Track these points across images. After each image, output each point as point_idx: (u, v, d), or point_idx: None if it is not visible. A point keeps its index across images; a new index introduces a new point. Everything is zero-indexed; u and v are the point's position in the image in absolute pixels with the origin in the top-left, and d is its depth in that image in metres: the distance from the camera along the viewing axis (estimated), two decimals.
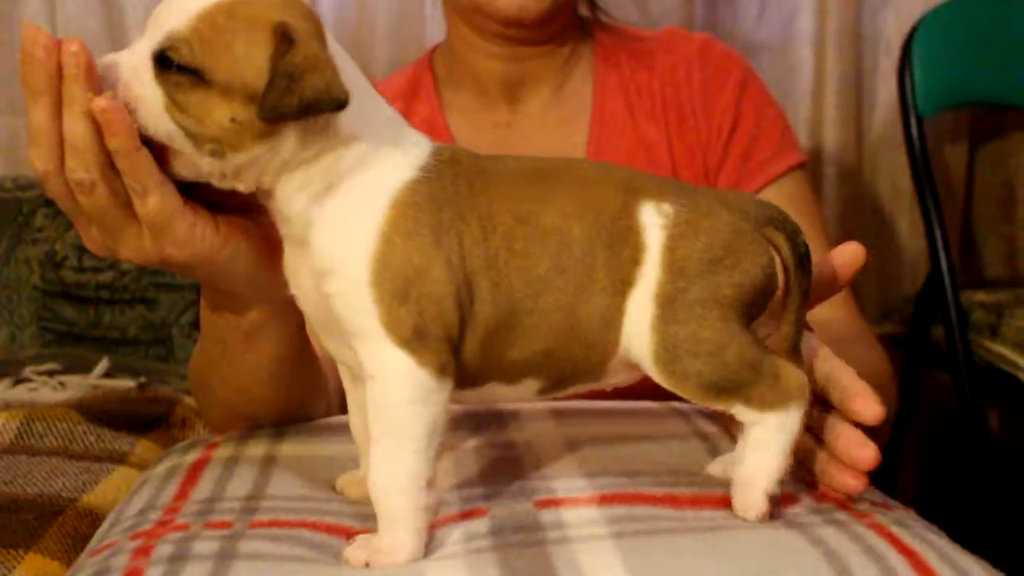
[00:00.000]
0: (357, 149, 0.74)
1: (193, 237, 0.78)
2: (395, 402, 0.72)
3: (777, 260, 0.78)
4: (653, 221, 0.76)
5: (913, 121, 1.78)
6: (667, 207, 0.76)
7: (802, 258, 0.79)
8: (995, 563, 0.74)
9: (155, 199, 0.75)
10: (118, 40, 1.91)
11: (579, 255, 0.75)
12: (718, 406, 0.78)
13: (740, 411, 0.77)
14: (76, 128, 0.72)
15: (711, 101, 1.32)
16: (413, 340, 0.72)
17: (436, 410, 0.73)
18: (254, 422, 1.01)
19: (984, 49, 1.84)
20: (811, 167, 1.88)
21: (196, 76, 0.70)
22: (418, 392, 0.72)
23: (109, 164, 0.74)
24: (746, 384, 0.76)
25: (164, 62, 0.70)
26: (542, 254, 0.74)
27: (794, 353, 0.80)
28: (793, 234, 0.79)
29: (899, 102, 1.81)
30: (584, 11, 1.39)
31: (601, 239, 0.75)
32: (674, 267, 0.75)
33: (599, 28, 1.38)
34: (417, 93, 1.36)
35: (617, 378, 0.80)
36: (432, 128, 1.32)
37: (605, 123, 1.32)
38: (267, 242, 0.83)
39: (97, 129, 0.72)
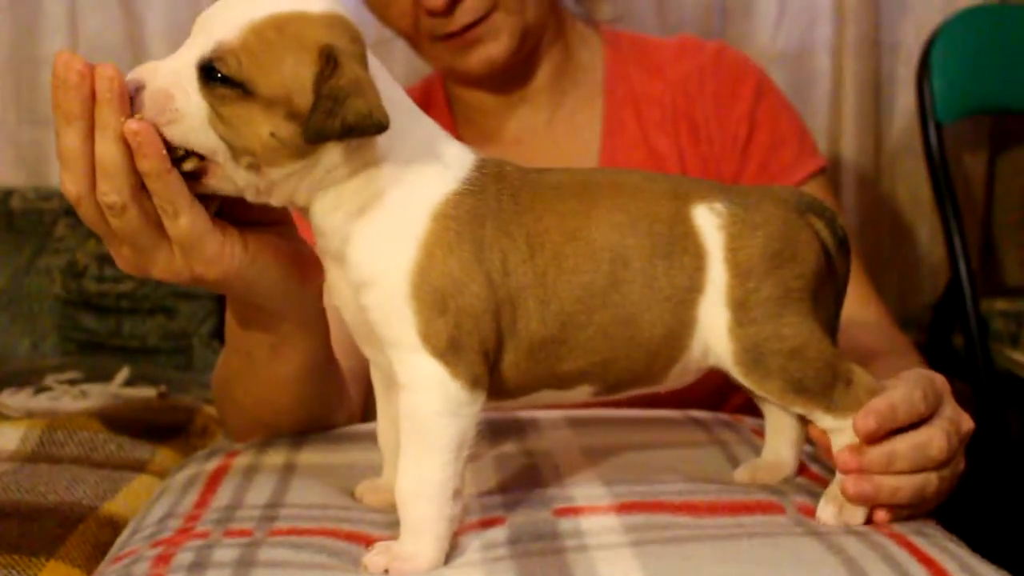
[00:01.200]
0: (391, 168, 0.74)
1: (222, 255, 0.79)
2: (426, 412, 0.73)
3: None
4: (709, 223, 0.77)
5: (932, 129, 1.77)
6: (719, 206, 0.77)
7: (841, 242, 0.81)
8: (1016, 573, 0.74)
9: (185, 219, 0.75)
10: (139, 54, 1.92)
11: (637, 267, 0.76)
12: (798, 409, 0.79)
13: (821, 417, 0.78)
14: (109, 151, 0.73)
15: (725, 110, 1.31)
16: (448, 352, 0.72)
17: (466, 422, 0.73)
18: (276, 431, 1.01)
19: (1003, 56, 1.83)
20: (830, 175, 1.87)
21: (241, 89, 0.70)
22: (449, 404, 0.73)
23: (140, 186, 0.74)
24: (826, 386, 0.77)
25: (209, 73, 0.70)
26: (596, 270, 0.75)
27: (832, 339, 0.81)
28: (831, 220, 0.81)
29: (918, 110, 1.80)
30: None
31: (658, 249, 0.76)
32: (740, 269, 0.76)
33: (608, 40, 1.37)
34: (429, 109, 1.36)
35: (679, 382, 0.81)
36: None
37: (616, 135, 1.32)
38: (296, 257, 0.84)
39: (128, 152, 0.73)
